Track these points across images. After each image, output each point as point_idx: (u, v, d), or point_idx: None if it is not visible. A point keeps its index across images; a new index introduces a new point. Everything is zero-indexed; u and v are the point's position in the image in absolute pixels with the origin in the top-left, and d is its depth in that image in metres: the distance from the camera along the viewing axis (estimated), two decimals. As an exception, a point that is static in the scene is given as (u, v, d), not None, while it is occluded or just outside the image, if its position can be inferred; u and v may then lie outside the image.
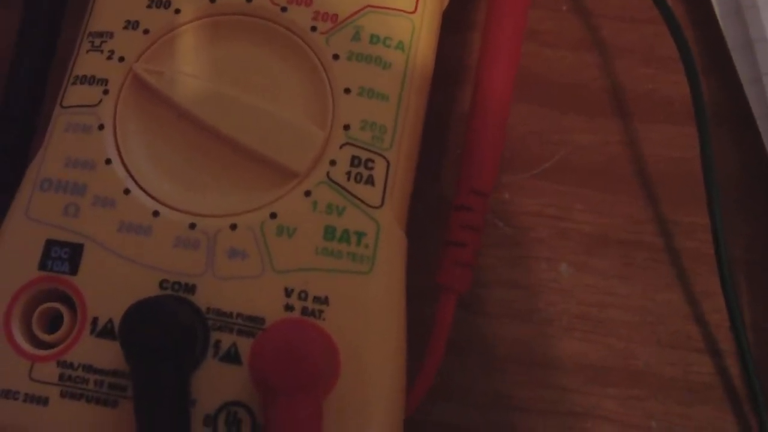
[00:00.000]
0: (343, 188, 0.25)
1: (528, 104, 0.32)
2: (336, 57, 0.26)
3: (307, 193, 0.25)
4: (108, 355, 0.24)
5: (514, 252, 0.30)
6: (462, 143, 0.28)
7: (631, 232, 0.30)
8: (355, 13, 0.27)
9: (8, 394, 0.24)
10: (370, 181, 0.25)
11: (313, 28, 0.27)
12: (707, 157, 0.29)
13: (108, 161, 0.26)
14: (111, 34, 0.27)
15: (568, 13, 0.33)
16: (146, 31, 0.27)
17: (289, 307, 0.24)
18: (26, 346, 0.25)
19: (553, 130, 0.32)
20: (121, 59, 0.27)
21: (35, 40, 0.29)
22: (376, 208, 0.25)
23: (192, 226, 0.25)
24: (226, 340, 0.24)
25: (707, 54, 0.32)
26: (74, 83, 0.27)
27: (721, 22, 0.32)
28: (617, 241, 0.30)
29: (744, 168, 0.31)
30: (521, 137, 0.32)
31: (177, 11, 0.27)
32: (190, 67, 0.27)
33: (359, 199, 0.25)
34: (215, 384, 0.24)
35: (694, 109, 0.29)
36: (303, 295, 0.24)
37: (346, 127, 0.26)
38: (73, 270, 0.25)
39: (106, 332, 0.24)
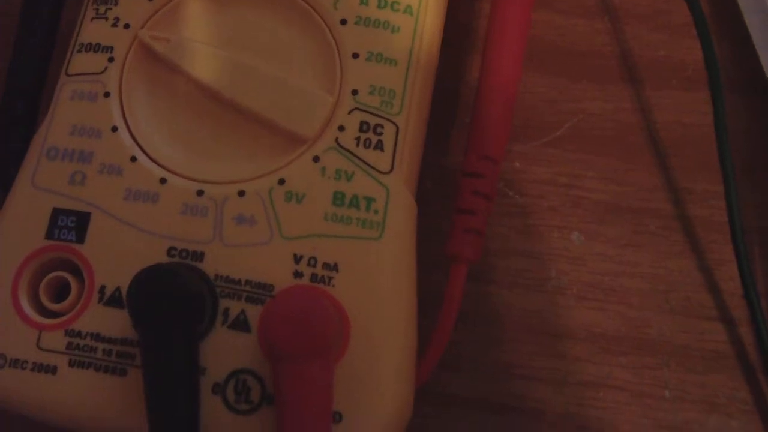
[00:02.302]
0: (352, 153, 0.25)
1: (539, 72, 0.32)
2: (344, 22, 0.26)
3: (316, 159, 0.25)
4: (116, 323, 0.24)
5: (526, 221, 0.30)
6: (471, 110, 0.27)
7: (643, 199, 0.30)
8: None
9: (17, 363, 0.24)
10: (379, 146, 0.25)
11: (321, -8, 0.26)
12: (721, 124, 0.29)
13: (114, 129, 0.25)
14: (115, 1, 0.27)
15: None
16: (152, -4, 0.27)
17: (298, 274, 0.24)
18: (34, 315, 0.24)
19: (564, 98, 0.31)
20: (126, 26, 0.27)
21: (40, 9, 0.29)
22: (386, 173, 0.25)
23: (199, 193, 0.25)
24: (235, 307, 0.24)
25: (720, 19, 0.32)
26: (79, 51, 0.27)
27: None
28: (629, 209, 0.30)
29: (758, 134, 0.31)
30: (532, 105, 0.31)
31: (183, -23, 0.27)
32: (196, 33, 0.27)
33: (368, 164, 0.25)
34: (224, 352, 0.23)
35: (708, 75, 0.29)
36: (312, 262, 0.24)
37: (355, 92, 0.25)
38: (80, 238, 0.25)
39: (113, 300, 0.24)
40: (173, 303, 0.22)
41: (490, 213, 0.27)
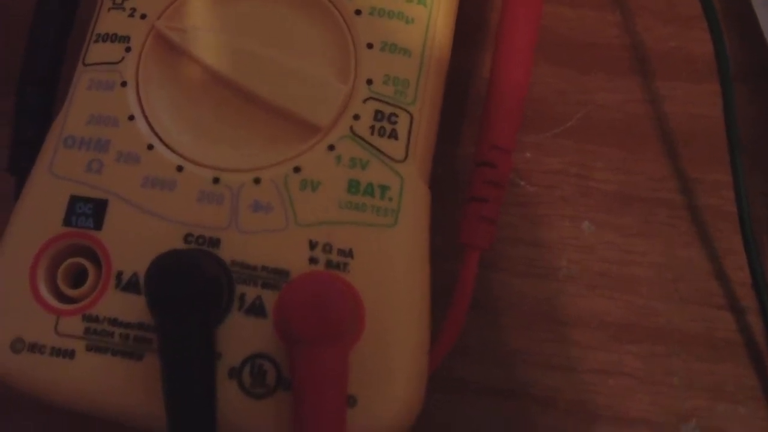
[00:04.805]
0: (367, 142, 0.25)
1: (550, 64, 0.32)
2: (358, 12, 0.26)
3: (331, 147, 0.25)
4: (133, 308, 0.24)
5: (537, 210, 0.30)
6: (483, 101, 0.28)
7: (653, 189, 0.30)
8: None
9: (35, 348, 0.24)
10: (393, 135, 0.25)
11: (336, -17, 0.27)
12: (730, 115, 0.29)
13: (131, 117, 0.26)
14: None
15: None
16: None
17: (313, 260, 0.24)
18: (52, 300, 0.25)
19: (574, 90, 0.32)
20: (143, 16, 0.27)
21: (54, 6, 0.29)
22: (400, 161, 0.25)
23: (216, 180, 0.25)
24: (251, 293, 0.24)
25: (730, 10, 0.32)
26: (96, 41, 0.27)
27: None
28: (639, 198, 0.30)
29: (766, 125, 0.31)
30: (543, 97, 0.32)
31: (198, -32, 0.27)
32: (212, 23, 0.27)
33: (383, 152, 0.25)
34: (240, 337, 0.24)
35: (718, 66, 0.29)
36: (327, 248, 0.24)
37: (369, 82, 0.26)
38: (98, 225, 0.25)
39: (130, 286, 0.24)
40: (190, 288, 0.22)
41: (502, 202, 0.27)
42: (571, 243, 0.30)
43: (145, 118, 0.26)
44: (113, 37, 0.27)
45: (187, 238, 0.25)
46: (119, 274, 0.24)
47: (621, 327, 0.29)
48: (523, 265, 0.30)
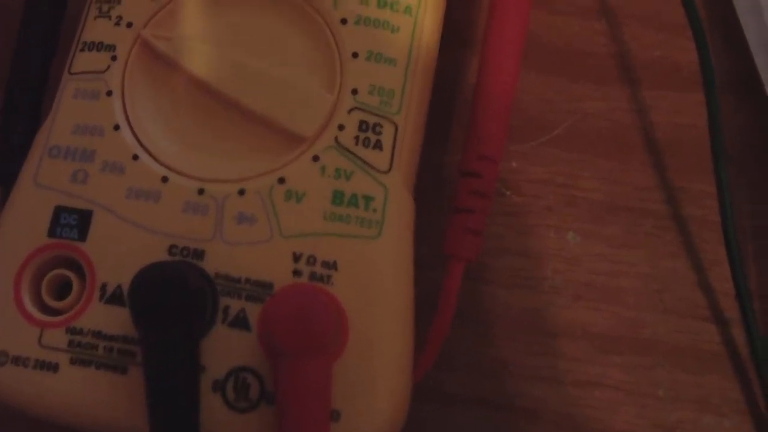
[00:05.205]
0: (351, 153, 0.25)
1: (536, 72, 0.32)
2: (344, 21, 0.26)
3: (315, 158, 0.25)
4: (117, 321, 0.24)
5: (522, 220, 0.30)
6: (470, 110, 0.28)
7: (638, 199, 0.30)
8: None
9: (18, 361, 0.24)
10: (378, 145, 0.25)
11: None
12: (715, 125, 0.29)
13: (116, 127, 0.26)
14: (118, 0, 0.27)
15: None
16: (154, -5, 0.27)
17: (297, 273, 0.24)
18: (36, 312, 0.25)
19: (561, 98, 0.32)
20: (129, 25, 0.27)
21: (42, 5, 0.29)
22: (384, 172, 0.25)
23: (200, 191, 0.25)
24: (235, 305, 0.24)
25: (716, 19, 0.32)
26: (82, 50, 0.27)
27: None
28: (625, 208, 0.30)
29: (751, 135, 0.31)
30: (529, 105, 0.32)
31: (184, -23, 0.27)
32: (197, 32, 0.27)
33: (367, 163, 0.25)
34: (224, 349, 0.24)
35: (702, 76, 0.29)
36: (311, 260, 0.24)
37: (354, 92, 0.26)
38: (82, 236, 0.25)
39: (115, 298, 0.24)
40: (174, 301, 0.22)
41: (488, 213, 0.27)
42: (557, 253, 0.30)
43: (131, 127, 0.26)
44: (99, 46, 0.27)
45: (171, 249, 0.24)
46: (104, 286, 0.24)
47: (607, 338, 0.29)
48: (508, 276, 0.30)
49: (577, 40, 0.32)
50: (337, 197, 0.25)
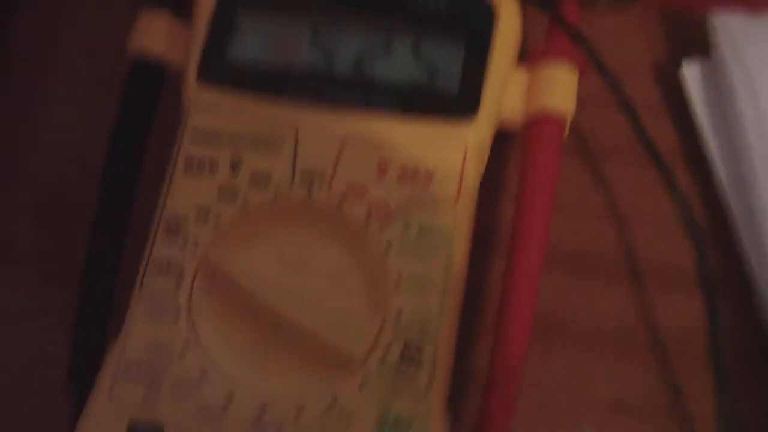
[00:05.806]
0: (396, 373, 0.28)
1: (549, 272, 0.35)
2: (388, 247, 0.29)
3: (363, 379, 0.28)
4: None
5: (537, 416, 0.33)
6: (496, 317, 0.30)
7: (645, 397, 0.33)
8: (405, 204, 0.30)
9: None
10: (420, 365, 0.28)
11: (367, 220, 0.30)
12: (715, 329, 0.31)
13: (186, 344, 0.28)
14: (185, 220, 0.30)
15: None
16: (217, 220, 0.30)
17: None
18: None
19: (572, 297, 0.35)
20: (195, 245, 0.30)
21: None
22: (425, 392, 0.28)
23: (263, 408, 0.28)
24: None
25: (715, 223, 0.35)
26: (152, 269, 0.30)
27: (727, 192, 0.35)
28: (634, 407, 0.33)
29: (748, 337, 0.34)
30: (543, 304, 0.34)
31: (245, 203, 0.30)
32: (256, 254, 0.30)
33: (411, 383, 0.28)
34: None
35: (702, 284, 0.31)
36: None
37: (399, 314, 0.28)
38: (156, 450, 0.27)
39: None
40: None
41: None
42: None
43: (199, 345, 0.29)
44: (167, 266, 0.30)
45: (236, 463, 0.27)
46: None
47: None
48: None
49: (588, 241, 0.35)
50: (383, 419, 0.27)
